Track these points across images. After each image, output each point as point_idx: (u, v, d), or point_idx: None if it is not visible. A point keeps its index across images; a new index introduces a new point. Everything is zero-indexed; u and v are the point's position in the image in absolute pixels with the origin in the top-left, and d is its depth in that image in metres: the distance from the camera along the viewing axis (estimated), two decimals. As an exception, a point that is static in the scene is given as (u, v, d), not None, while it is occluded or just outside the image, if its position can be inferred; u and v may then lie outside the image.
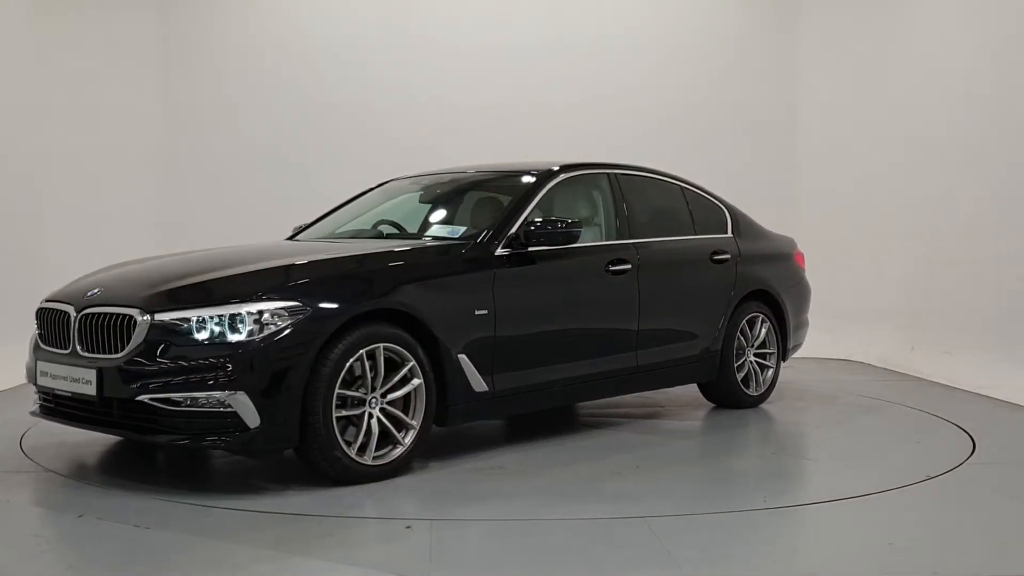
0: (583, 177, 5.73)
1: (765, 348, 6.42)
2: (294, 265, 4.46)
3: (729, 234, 6.37)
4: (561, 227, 4.99)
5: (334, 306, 4.21)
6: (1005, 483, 4.56)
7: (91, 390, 4.21)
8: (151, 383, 4.06)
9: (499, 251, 4.91)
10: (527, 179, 5.43)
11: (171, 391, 4.03)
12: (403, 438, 4.43)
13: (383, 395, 4.37)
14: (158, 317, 4.13)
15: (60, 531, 3.76)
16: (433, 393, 4.53)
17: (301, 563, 3.38)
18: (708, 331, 6.00)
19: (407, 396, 4.46)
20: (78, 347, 4.38)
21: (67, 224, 8.53)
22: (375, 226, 5.65)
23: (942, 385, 7.30)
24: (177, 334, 4.09)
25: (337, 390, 4.17)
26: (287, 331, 4.08)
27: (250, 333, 4.04)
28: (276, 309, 4.10)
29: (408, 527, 3.72)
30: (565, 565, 3.37)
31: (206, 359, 4.02)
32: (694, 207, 6.27)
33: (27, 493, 4.32)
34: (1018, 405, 6.44)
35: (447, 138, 8.96)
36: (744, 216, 6.60)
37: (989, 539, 3.74)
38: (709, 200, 6.43)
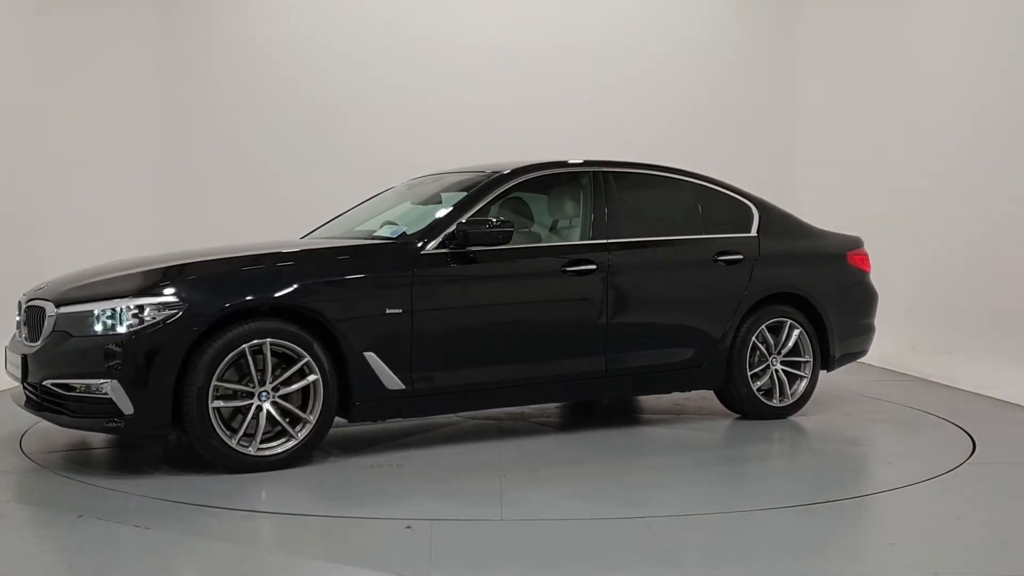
0: (557, 176, 5.65)
1: (798, 356, 5.99)
2: (185, 264, 4.69)
3: (752, 233, 6.00)
4: (491, 227, 4.95)
5: (209, 302, 4.41)
6: (1005, 483, 4.56)
7: (19, 374, 4.69)
8: (53, 370, 4.46)
9: (428, 250, 4.92)
10: (489, 179, 5.36)
11: (67, 378, 4.41)
12: (298, 431, 4.54)
13: (275, 388, 4.51)
14: (62, 310, 4.50)
15: (60, 531, 3.76)
16: (333, 389, 4.61)
17: (301, 563, 3.38)
18: (707, 335, 5.70)
19: (306, 391, 4.58)
20: (25, 337, 4.77)
21: (67, 225, 8.52)
22: (383, 226, 5.65)
23: (942, 385, 7.30)
24: (76, 325, 4.44)
25: (217, 381, 4.37)
26: (160, 325, 4.33)
27: (130, 326, 4.33)
28: (154, 304, 4.36)
29: (408, 527, 3.72)
30: (565, 565, 3.37)
31: (94, 349, 4.34)
32: (708, 205, 5.96)
33: (27, 493, 4.33)
34: (1018, 405, 6.44)
35: (449, 139, 8.95)
36: (780, 215, 6.21)
37: (989, 539, 3.74)
38: (734, 198, 6.09)
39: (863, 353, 6.47)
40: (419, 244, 4.93)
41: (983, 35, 7.63)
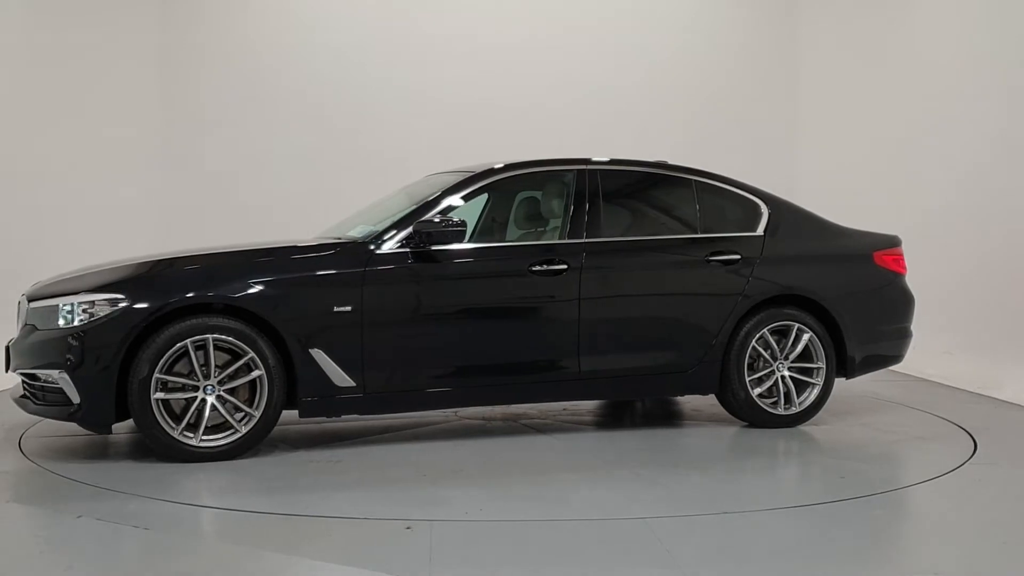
0: (539, 176, 5.62)
1: (810, 362, 5.69)
2: (139, 263, 4.92)
3: (758, 232, 5.72)
4: (445, 226, 4.96)
5: (151, 299, 4.62)
6: (1006, 483, 4.56)
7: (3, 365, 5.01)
8: (23, 360, 4.78)
9: (383, 250, 4.96)
10: (467, 178, 5.36)
11: (32, 368, 4.73)
12: (242, 425, 4.70)
13: (221, 383, 4.68)
14: (32, 305, 4.83)
15: (60, 531, 3.76)
16: (277, 384, 4.73)
17: (301, 563, 3.38)
18: (696, 339, 5.49)
19: (254, 385, 4.73)
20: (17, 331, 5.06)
21: (67, 226, 8.52)
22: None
23: (942, 385, 7.30)
24: (41, 319, 4.74)
25: (161, 374, 4.57)
26: (106, 320, 4.58)
27: (81, 321, 4.61)
28: (102, 300, 4.61)
29: (408, 527, 3.72)
30: (565, 565, 3.37)
31: (50, 342, 4.63)
32: (708, 204, 5.71)
33: (27, 493, 4.33)
34: (1018, 405, 6.44)
35: (450, 138, 8.95)
36: (795, 213, 5.89)
37: (989, 539, 3.74)
38: (742, 196, 5.81)
39: (895, 359, 6.06)
40: (373, 244, 4.99)
41: (985, 35, 7.64)
